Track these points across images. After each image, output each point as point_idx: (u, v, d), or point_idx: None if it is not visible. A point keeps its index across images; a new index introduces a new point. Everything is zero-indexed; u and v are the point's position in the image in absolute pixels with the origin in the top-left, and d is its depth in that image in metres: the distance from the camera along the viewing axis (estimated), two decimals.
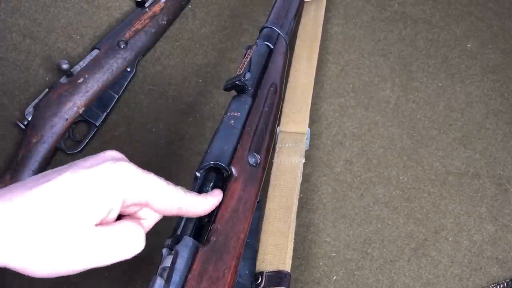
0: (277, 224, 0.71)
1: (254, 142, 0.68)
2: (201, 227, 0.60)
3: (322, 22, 0.92)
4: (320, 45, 0.91)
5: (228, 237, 0.59)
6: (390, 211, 0.78)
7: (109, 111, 0.83)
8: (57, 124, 0.78)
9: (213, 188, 0.62)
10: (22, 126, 0.79)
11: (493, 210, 0.79)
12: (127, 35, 0.84)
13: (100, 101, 0.82)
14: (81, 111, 0.80)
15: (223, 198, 0.60)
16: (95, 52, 0.83)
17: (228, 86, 0.71)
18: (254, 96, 0.72)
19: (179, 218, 0.58)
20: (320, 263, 0.75)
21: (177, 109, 0.86)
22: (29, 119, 0.79)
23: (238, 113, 0.68)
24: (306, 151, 0.80)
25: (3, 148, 0.81)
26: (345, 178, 0.81)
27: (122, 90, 0.84)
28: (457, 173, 0.81)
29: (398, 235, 0.77)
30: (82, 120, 0.81)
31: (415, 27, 0.94)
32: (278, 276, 0.67)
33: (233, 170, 0.62)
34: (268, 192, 0.74)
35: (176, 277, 0.50)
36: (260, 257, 0.69)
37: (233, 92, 0.71)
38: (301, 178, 0.76)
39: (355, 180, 0.81)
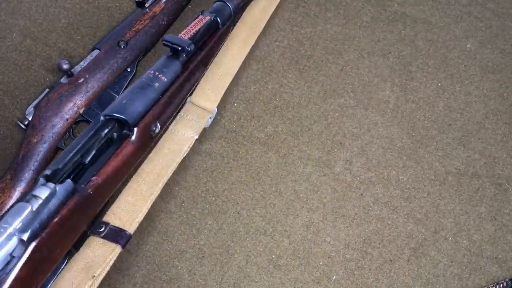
0: (142, 187, 0.70)
1: (163, 113, 0.69)
2: (81, 167, 0.60)
3: (270, 13, 0.91)
4: (320, 45, 0.91)
5: (100, 194, 0.60)
6: (390, 211, 0.79)
7: None
8: (58, 124, 0.78)
9: (105, 136, 0.62)
10: (23, 126, 0.79)
11: (492, 209, 0.79)
12: (127, 35, 0.85)
13: (100, 101, 0.82)
14: (81, 111, 0.80)
15: (112, 154, 0.61)
16: (96, 52, 0.84)
17: (168, 44, 0.72)
18: (184, 67, 0.73)
19: (66, 150, 0.59)
20: (320, 263, 0.75)
21: None
22: (30, 119, 0.79)
23: (165, 78, 0.69)
24: (215, 131, 0.81)
25: (4, 148, 0.81)
26: (345, 178, 0.81)
27: (122, 90, 0.84)
28: (456, 173, 0.82)
29: (398, 235, 0.77)
30: (83, 120, 0.81)
31: (414, 27, 0.94)
32: (119, 234, 0.66)
33: (135, 133, 0.63)
34: (150, 154, 0.73)
35: (44, 216, 0.52)
36: (113, 208, 0.68)
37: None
38: (186, 152, 0.75)
39: (355, 180, 0.81)
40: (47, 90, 0.81)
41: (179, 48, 0.71)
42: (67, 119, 0.79)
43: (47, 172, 0.56)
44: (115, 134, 0.65)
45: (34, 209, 0.52)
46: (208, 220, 0.77)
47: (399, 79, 0.89)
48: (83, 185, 0.58)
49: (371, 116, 0.86)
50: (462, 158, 0.83)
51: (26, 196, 0.53)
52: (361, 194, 0.80)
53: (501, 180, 0.81)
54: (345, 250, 0.76)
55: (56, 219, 0.54)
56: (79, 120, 0.81)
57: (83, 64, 0.83)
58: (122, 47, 0.84)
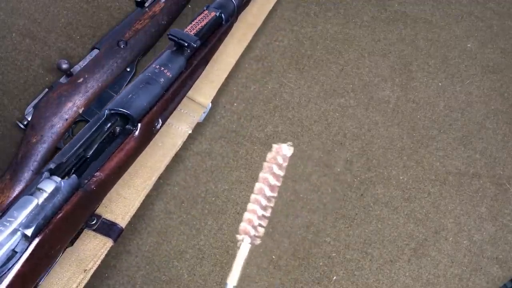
0: (136, 180, 0.70)
1: (165, 109, 0.69)
2: (84, 161, 0.60)
3: (268, 10, 0.92)
4: (320, 45, 0.91)
5: (102, 189, 0.60)
6: (390, 211, 0.78)
7: None
8: (57, 124, 0.78)
9: (108, 129, 0.62)
10: (22, 126, 0.79)
11: (493, 210, 0.79)
12: (127, 35, 0.84)
13: (100, 101, 0.82)
14: (80, 111, 0.80)
15: (115, 149, 0.61)
16: (95, 52, 0.83)
17: (174, 39, 0.71)
18: (188, 63, 0.72)
19: (70, 143, 0.58)
20: (320, 263, 0.75)
21: None
22: (29, 119, 0.79)
23: (170, 74, 0.69)
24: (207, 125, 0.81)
25: (3, 148, 0.81)
26: (345, 178, 0.81)
27: (121, 90, 0.84)
28: (457, 173, 0.81)
29: (398, 235, 0.77)
30: (82, 120, 0.81)
31: (415, 27, 0.94)
32: (111, 227, 0.66)
33: (139, 129, 0.63)
34: None
35: (49, 211, 0.52)
36: (105, 201, 0.68)
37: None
38: (180, 147, 0.76)
39: (355, 180, 0.81)
40: (47, 89, 0.81)
41: (186, 44, 0.70)
42: (67, 119, 0.79)
43: (51, 165, 0.55)
44: (117, 128, 0.64)
45: (39, 203, 0.52)
46: (208, 220, 0.77)
47: (399, 79, 0.89)
48: (86, 181, 0.58)
49: (372, 116, 0.86)
50: (463, 158, 0.83)
51: (31, 189, 0.53)
52: (362, 195, 0.80)
53: (502, 180, 0.81)
54: (345, 250, 0.76)
55: (60, 215, 0.53)
56: (79, 120, 0.81)
57: (82, 63, 0.83)
58: (122, 46, 0.83)
